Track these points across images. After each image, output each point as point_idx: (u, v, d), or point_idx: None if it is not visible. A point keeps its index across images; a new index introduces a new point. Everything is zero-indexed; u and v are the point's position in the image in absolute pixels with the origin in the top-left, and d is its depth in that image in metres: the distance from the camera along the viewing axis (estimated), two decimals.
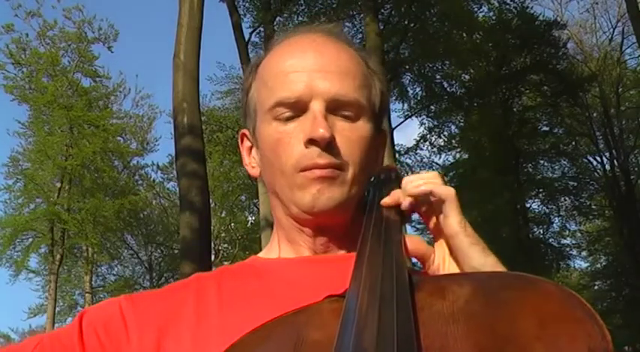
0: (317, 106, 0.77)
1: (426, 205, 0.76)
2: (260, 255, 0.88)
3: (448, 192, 0.72)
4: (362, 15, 13.15)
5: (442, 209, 0.73)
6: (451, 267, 0.74)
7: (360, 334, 0.47)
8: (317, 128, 0.75)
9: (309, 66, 0.79)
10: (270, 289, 0.76)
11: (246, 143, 0.89)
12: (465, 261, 0.71)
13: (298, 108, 0.77)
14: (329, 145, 0.75)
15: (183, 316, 0.73)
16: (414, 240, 0.75)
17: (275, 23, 13.99)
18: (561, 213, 17.95)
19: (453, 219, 0.72)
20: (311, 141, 0.75)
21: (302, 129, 0.77)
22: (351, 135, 0.78)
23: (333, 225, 0.80)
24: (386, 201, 0.76)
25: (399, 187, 0.77)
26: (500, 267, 0.70)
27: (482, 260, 0.70)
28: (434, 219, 0.76)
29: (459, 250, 0.72)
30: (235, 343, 0.58)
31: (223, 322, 0.71)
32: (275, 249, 0.85)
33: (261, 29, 13.97)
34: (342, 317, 0.50)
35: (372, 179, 0.84)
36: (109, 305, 0.77)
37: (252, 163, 0.87)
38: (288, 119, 0.78)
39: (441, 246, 0.75)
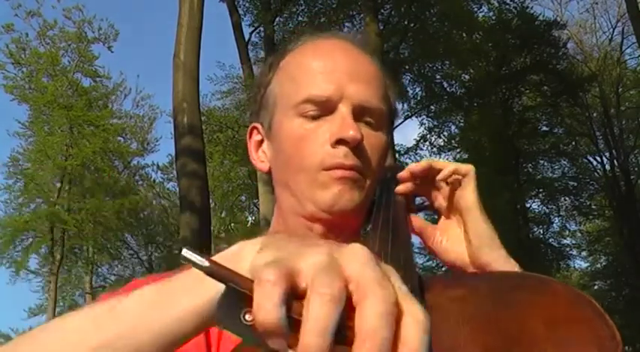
0: (345, 109, 0.77)
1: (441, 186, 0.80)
2: None
3: (470, 167, 0.77)
4: (362, 15, 13.15)
5: (461, 182, 0.77)
6: (455, 244, 0.77)
7: None
8: (348, 129, 0.75)
9: (340, 68, 0.79)
10: None
11: (256, 137, 0.87)
12: (475, 235, 0.75)
13: (326, 108, 0.78)
14: (356, 148, 0.76)
15: None
16: (415, 219, 0.80)
17: (275, 23, 13.99)
18: (561, 213, 17.95)
19: (470, 192, 0.76)
20: (340, 142, 0.75)
21: (329, 129, 0.77)
22: (372, 142, 0.79)
23: (344, 227, 0.80)
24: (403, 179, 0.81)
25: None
26: (504, 250, 0.75)
27: (491, 239, 0.75)
28: (445, 195, 0.80)
29: (471, 223, 0.75)
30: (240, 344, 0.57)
31: None
32: None
33: (261, 29, 13.97)
34: None
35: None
36: (126, 290, 0.75)
37: (261, 158, 0.86)
38: (314, 118, 0.78)
39: (446, 223, 0.80)
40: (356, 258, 0.37)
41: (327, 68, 0.79)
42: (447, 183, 0.80)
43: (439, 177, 0.78)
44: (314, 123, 0.78)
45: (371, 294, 0.34)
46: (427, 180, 0.81)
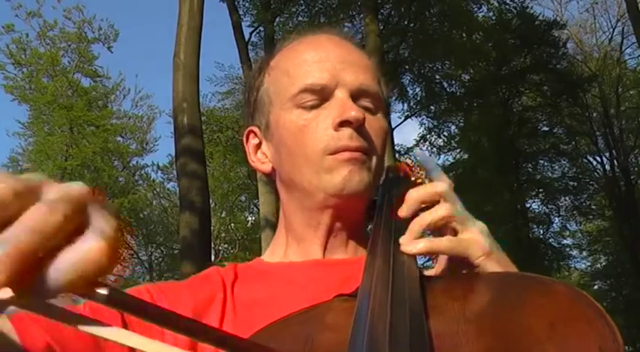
0: (343, 94, 0.77)
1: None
2: (264, 257, 0.86)
3: (471, 244, 0.66)
4: (362, 15, 13.14)
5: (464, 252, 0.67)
6: None
7: (372, 333, 0.47)
8: (349, 110, 0.75)
9: (333, 58, 0.79)
10: (280, 294, 0.74)
11: (253, 140, 0.86)
12: None
13: (323, 96, 0.77)
14: (359, 128, 0.75)
15: (211, 315, 0.72)
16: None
17: (275, 23, 13.99)
18: (561, 213, 17.92)
19: (478, 262, 0.66)
20: (343, 124, 0.75)
21: (329, 115, 0.76)
22: (374, 124, 0.78)
23: (353, 213, 0.79)
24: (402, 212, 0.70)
25: (408, 188, 0.76)
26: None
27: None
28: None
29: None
30: None
31: (236, 328, 0.69)
32: (280, 251, 0.83)
33: (261, 29, 13.97)
34: (354, 316, 0.50)
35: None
36: (137, 291, 0.75)
37: (261, 159, 0.85)
38: (312, 107, 0.77)
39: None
40: None
41: (319, 58, 0.79)
42: None
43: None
44: (313, 112, 0.77)
45: None
46: None
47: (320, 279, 0.75)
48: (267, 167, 0.84)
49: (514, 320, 0.50)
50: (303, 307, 0.60)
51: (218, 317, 0.71)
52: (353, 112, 0.74)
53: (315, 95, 0.77)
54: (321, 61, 0.79)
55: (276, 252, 0.84)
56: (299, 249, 0.81)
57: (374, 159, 0.77)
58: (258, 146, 0.85)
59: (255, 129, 0.85)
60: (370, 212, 0.78)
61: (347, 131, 0.74)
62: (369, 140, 0.77)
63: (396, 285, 0.54)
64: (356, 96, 0.78)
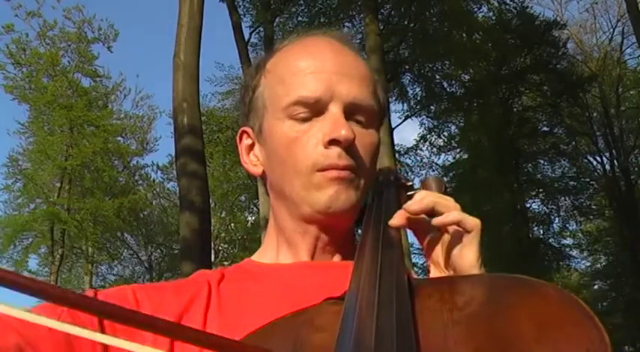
0: (336, 109, 0.76)
1: (438, 232, 0.74)
2: (254, 258, 0.86)
3: (476, 222, 0.70)
4: (362, 15, 13.13)
5: (462, 239, 0.70)
6: None
7: (359, 336, 0.47)
8: (340, 129, 0.74)
9: (329, 68, 0.78)
10: (269, 294, 0.75)
11: (246, 141, 0.86)
12: None
13: (316, 109, 0.77)
14: (349, 147, 0.75)
15: (194, 316, 0.72)
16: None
17: (275, 23, 13.99)
18: (561, 213, 17.92)
19: (472, 252, 0.69)
20: (332, 142, 0.74)
21: (320, 130, 0.76)
22: (365, 140, 0.78)
23: (339, 228, 0.80)
24: (393, 222, 0.73)
25: (399, 190, 0.77)
26: None
27: None
28: (442, 245, 0.73)
29: None
30: None
31: (223, 327, 0.69)
32: (271, 252, 0.84)
33: (261, 29, 13.97)
34: (341, 319, 0.50)
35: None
36: (121, 289, 0.75)
37: (253, 161, 0.85)
38: (305, 119, 0.77)
39: (436, 274, 0.74)
40: None
41: (316, 68, 0.78)
42: (446, 231, 0.73)
43: (436, 222, 0.71)
44: (305, 124, 0.77)
45: None
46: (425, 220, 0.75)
47: (309, 280, 0.75)
48: (258, 170, 0.85)
49: (502, 322, 0.50)
50: (292, 307, 0.60)
51: (202, 316, 0.71)
52: (343, 131, 0.73)
53: (308, 108, 0.76)
54: (317, 71, 0.78)
55: (267, 252, 0.85)
56: (289, 251, 0.82)
57: (362, 177, 0.77)
58: (251, 147, 0.86)
59: (249, 130, 0.85)
60: (361, 213, 0.78)
61: (336, 149, 0.74)
62: (358, 158, 0.76)
63: (383, 288, 0.54)
64: (350, 110, 0.77)
